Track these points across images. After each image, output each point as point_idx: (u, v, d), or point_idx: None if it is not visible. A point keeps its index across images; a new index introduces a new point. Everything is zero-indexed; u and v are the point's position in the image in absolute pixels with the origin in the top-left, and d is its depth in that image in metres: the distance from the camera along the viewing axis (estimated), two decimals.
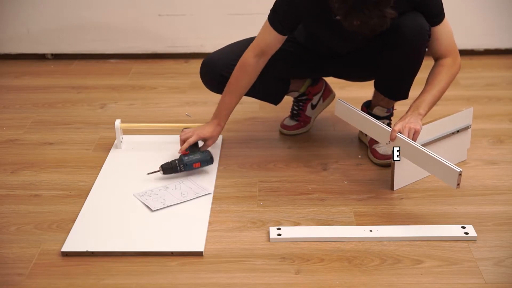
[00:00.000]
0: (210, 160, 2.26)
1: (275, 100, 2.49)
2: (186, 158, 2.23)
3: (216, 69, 2.31)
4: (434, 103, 2.14)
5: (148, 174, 2.24)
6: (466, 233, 1.94)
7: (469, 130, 2.29)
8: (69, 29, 3.33)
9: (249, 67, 2.21)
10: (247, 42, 2.27)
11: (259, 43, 2.19)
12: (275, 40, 2.17)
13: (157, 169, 2.24)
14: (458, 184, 1.94)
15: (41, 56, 3.40)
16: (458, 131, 2.24)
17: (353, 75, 2.47)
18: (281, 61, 2.30)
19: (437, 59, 2.18)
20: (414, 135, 2.06)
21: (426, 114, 2.12)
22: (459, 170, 1.92)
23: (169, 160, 2.26)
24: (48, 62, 3.38)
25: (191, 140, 2.25)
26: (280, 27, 2.14)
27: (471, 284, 1.77)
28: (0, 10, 3.28)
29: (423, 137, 2.12)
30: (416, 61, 2.18)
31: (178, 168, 2.23)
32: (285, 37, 2.17)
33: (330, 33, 2.05)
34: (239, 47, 2.29)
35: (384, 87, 2.31)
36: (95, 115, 2.77)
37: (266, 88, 2.41)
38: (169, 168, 2.23)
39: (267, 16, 2.16)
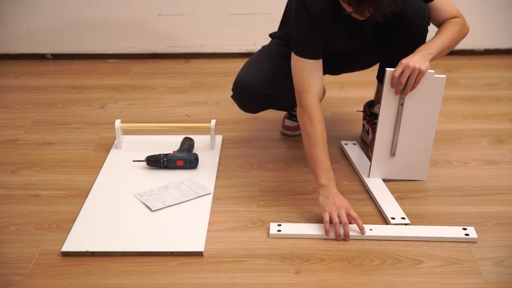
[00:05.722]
0: (193, 161, 2.29)
1: (291, 108, 2.51)
2: (171, 154, 2.28)
3: (259, 90, 2.22)
4: (444, 50, 2.05)
5: (133, 161, 2.31)
6: (467, 235, 1.94)
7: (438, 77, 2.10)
8: (69, 29, 3.33)
9: (316, 113, 2.06)
10: (270, 53, 2.25)
11: (305, 83, 2.06)
12: (315, 68, 2.07)
13: (143, 159, 2.30)
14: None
15: (41, 56, 3.40)
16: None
17: (356, 66, 2.44)
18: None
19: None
20: (418, 76, 2.00)
21: (435, 57, 2.03)
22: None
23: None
24: (48, 62, 3.37)
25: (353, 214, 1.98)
26: (314, 51, 2.06)
27: (471, 284, 1.77)
28: (0, 10, 3.28)
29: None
30: (420, 44, 2.12)
31: (162, 161, 2.27)
32: (321, 60, 2.08)
33: (338, 31, 2.03)
34: (268, 60, 2.24)
35: None
36: (95, 115, 2.77)
37: (284, 99, 2.36)
38: (153, 161, 2.28)
39: (270, 33, 2.12)
